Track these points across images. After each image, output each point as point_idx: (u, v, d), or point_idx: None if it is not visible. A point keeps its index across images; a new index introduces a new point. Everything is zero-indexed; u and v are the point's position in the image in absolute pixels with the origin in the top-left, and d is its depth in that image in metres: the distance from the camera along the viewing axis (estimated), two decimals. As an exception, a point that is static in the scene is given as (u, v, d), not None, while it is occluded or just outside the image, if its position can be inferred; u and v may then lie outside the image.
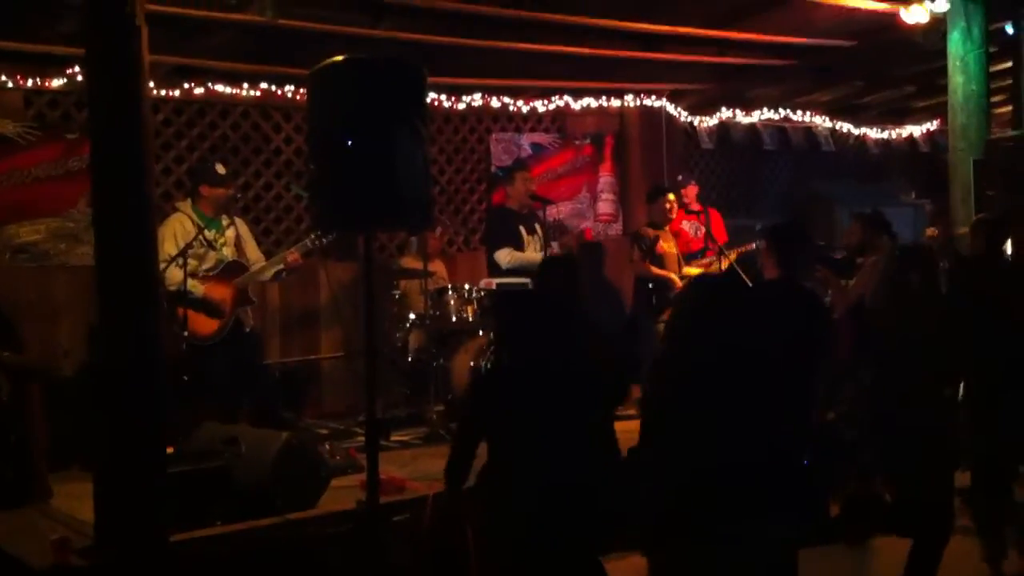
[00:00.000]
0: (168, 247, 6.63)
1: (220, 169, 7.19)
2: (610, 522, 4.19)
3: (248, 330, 7.20)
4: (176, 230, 6.85)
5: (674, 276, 8.22)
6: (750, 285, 6.08)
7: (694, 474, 3.76)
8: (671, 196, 8.66)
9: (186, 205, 7.08)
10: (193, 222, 6.92)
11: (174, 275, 6.61)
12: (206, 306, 6.84)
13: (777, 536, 3.81)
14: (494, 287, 7.61)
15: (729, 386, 3.80)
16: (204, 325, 6.85)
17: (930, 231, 8.55)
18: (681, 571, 3.84)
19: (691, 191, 9.46)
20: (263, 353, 7.81)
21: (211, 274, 6.94)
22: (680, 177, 9.69)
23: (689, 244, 9.05)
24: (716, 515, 3.69)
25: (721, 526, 3.69)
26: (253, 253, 7.30)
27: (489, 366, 7.19)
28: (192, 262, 6.73)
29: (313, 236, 7.21)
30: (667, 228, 8.59)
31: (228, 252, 7.09)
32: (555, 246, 8.01)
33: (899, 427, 4.99)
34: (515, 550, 4.16)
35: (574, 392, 4.23)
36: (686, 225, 9.05)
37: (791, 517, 3.82)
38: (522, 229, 8.08)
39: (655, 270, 8.32)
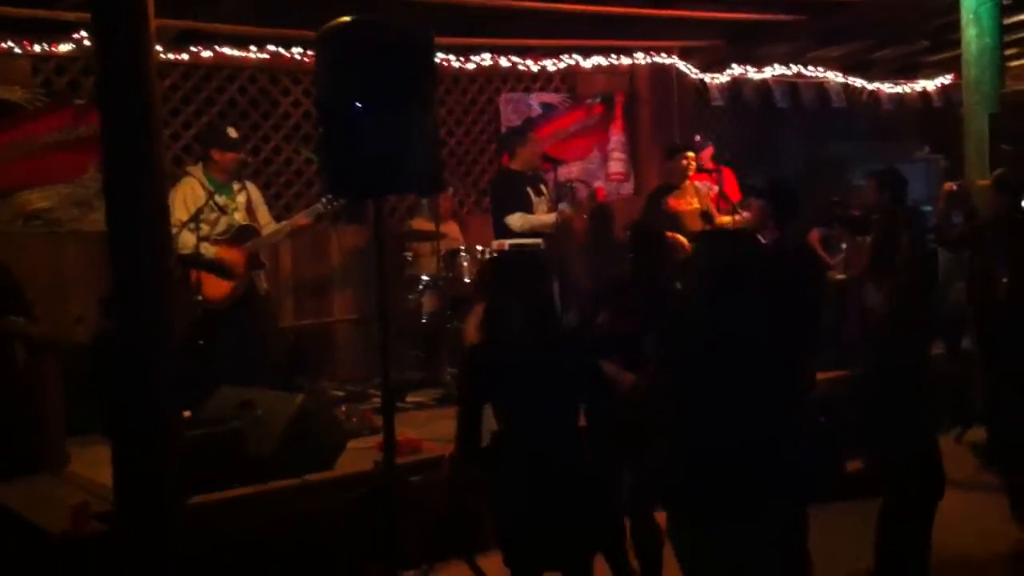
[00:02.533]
0: (179, 212, 6.62)
1: (232, 133, 7.18)
2: (602, 508, 4.11)
3: (262, 294, 7.22)
4: (187, 195, 6.85)
5: (679, 237, 8.15)
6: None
7: (703, 452, 3.70)
8: (690, 153, 8.60)
9: (197, 170, 7.07)
10: (204, 187, 6.91)
11: (186, 239, 6.62)
12: (218, 267, 6.84)
13: (791, 510, 3.80)
14: (507, 248, 7.59)
15: (741, 354, 3.74)
16: (217, 289, 6.87)
17: (947, 186, 8.51)
18: (695, 548, 3.80)
19: (706, 154, 9.41)
20: (276, 317, 7.83)
21: (223, 238, 6.94)
22: (698, 138, 9.62)
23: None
24: (729, 493, 3.65)
25: (734, 505, 3.65)
26: (264, 217, 7.31)
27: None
28: (203, 227, 6.74)
29: (324, 200, 7.21)
30: (685, 185, 8.52)
31: (239, 217, 7.10)
32: (565, 208, 7.95)
33: (889, 383, 4.95)
34: (506, 521, 4.15)
35: (559, 373, 4.10)
36: (699, 184, 8.99)
37: (800, 492, 3.80)
38: (529, 191, 8.05)
39: None
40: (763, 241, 5.27)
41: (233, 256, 6.94)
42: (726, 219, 8.17)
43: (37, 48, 7.59)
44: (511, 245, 7.60)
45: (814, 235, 7.88)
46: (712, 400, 3.66)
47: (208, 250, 6.79)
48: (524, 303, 4.18)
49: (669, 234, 8.11)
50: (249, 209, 7.19)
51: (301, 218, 7.26)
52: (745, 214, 7.58)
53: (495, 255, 7.44)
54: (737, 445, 3.60)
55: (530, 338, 4.13)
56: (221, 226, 6.97)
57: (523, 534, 4.03)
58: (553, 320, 4.38)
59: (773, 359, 3.75)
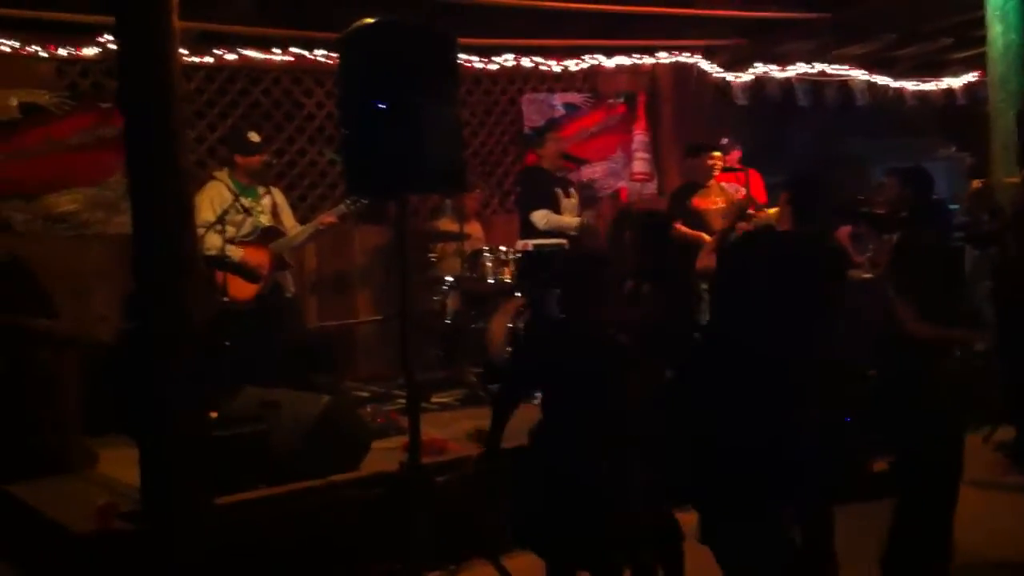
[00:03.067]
0: (206, 214, 6.66)
1: (253, 137, 7.21)
2: (617, 513, 4.09)
3: (289, 296, 7.25)
4: (213, 197, 6.89)
5: (704, 235, 8.11)
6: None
7: (708, 450, 3.68)
8: (716, 153, 8.56)
9: (223, 174, 7.12)
10: (230, 189, 6.95)
11: (212, 240, 6.66)
12: (243, 271, 6.88)
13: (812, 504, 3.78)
14: (530, 248, 7.58)
15: (748, 353, 3.71)
16: (243, 289, 6.90)
17: (975, 183, 8.44)
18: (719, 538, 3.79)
19: (733, 156, 9.37)
20: (303, 318, 7.85)
21: (248, 239, 6.98)
22: (725, 141, 9.59)
23: None
24: (730, 493, 3.63)
25: (757, 501, 3.63)
26: (289, 221, 7.35)
27: (524, 325, 7.17)
28: (229, 228, 6.78)
29: (348, 201, 7.23)
30: (710, 184, 8.49)
31: (265, 219, 7.13)
32: (588, 215, 7.96)
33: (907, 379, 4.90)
34: (522, 522, 4.15)
35: (585, 374, 4.10)
36: (726, 185, 8.96)
37: (806, 493, 3.79)
38: (558, 191, 8.04)
39: (683, 230, 8.24)
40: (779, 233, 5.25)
41: (259, 257, 6.98)
42: (761, 214, 8.13)
43: (62, 52, 7.63)
44: (535, 246, 7.59)
45: (843, 232, 7.83)
46: (718, 398, 3.66)
47: (235, 252, 6.83)
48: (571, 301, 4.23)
49: (692, 232, 8.13)
50: (274, 213, 7.23)
51: (327, 216, 7.28)
52: (765, 212, 7.57)
53: (535, 249, 7.46)
54: (742, 444, 3.59)
55: (566, 335, 4.15)
56: (247, 228, 7.01)
57: (535, 535, 4.05)
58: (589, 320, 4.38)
59: (780, 358, 3.73)
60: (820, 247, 4.94)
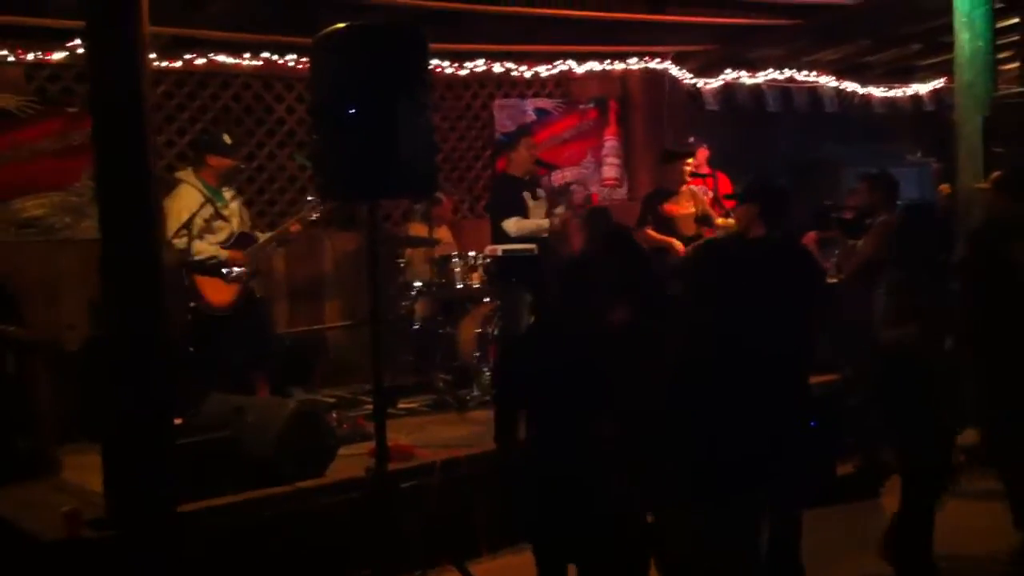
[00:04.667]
0: (183, 220, 6.63)
1: (227, 139, 7.19)
2: (610, 517, 4.08)
3: (259, 297, 7.22)
4: (188, 204, 6.82)
5: (674, 241, 8.14)
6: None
7: (705, 443, 3.71)
8: (690, 160, 8.60)
9: (188, 174, 7.04)
10: (201, 193, 6.90)
11: (198, 247, 6.64)
12: (231, 267, 6.86)
13: (784, 500, 3.81)
14: (499, 254, 7.59)
15: (736, 350, 3.75)
16: (220, 295, 6.85)
17: (944, 188, 8.51)
18: (687, 531, 3.82)
19: (701, 155, 9.40)
20: (272, 322, 7.82)
21: (226, 246, 6.94)
22: (691, 140, 9.62)
23: None
24: (725, 484, 3.66)
25: (730, 495, 3.66)
26: (248, 223, 7.34)
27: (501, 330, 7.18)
28: (208, 236, 6.76)
29: (310, 200, 7.20)
30: (682, 190, 8.53)
31: (235, 223, 7.10)
32: (559, 211, 7.97)
33: (901, 386, 4.95)
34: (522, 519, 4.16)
35: (579, 376, 4.08)
36: (696, 189, 8.99)
37: (796, 483, 3.82)
38: (526, 196, 8.05)
39: (654, 235, 8.26)
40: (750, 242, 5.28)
41: (240, 260, 6.95)
42: (721, 222, 8.18)
43: (30, 56, 7.58)
44: (504, 251, 7.60)
45: (810, 237, 7.90)
46: (718, 399, 3.69)
47: (220, 253, 6.81)
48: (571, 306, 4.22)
49: (661, 238, 8.16)
50: (240, 215, 7.20)
51: (292, 223, 7.24)
52: (727, 222, 7.61)
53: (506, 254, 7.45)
54: (742, 444, 3.62)
55: (556, 339, 4.16)
56: (222, 233, 6.95)
57: (536, 532, 4.07)
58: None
59: (763, 359, 3.76)
60: (799, 257, 4.99)
